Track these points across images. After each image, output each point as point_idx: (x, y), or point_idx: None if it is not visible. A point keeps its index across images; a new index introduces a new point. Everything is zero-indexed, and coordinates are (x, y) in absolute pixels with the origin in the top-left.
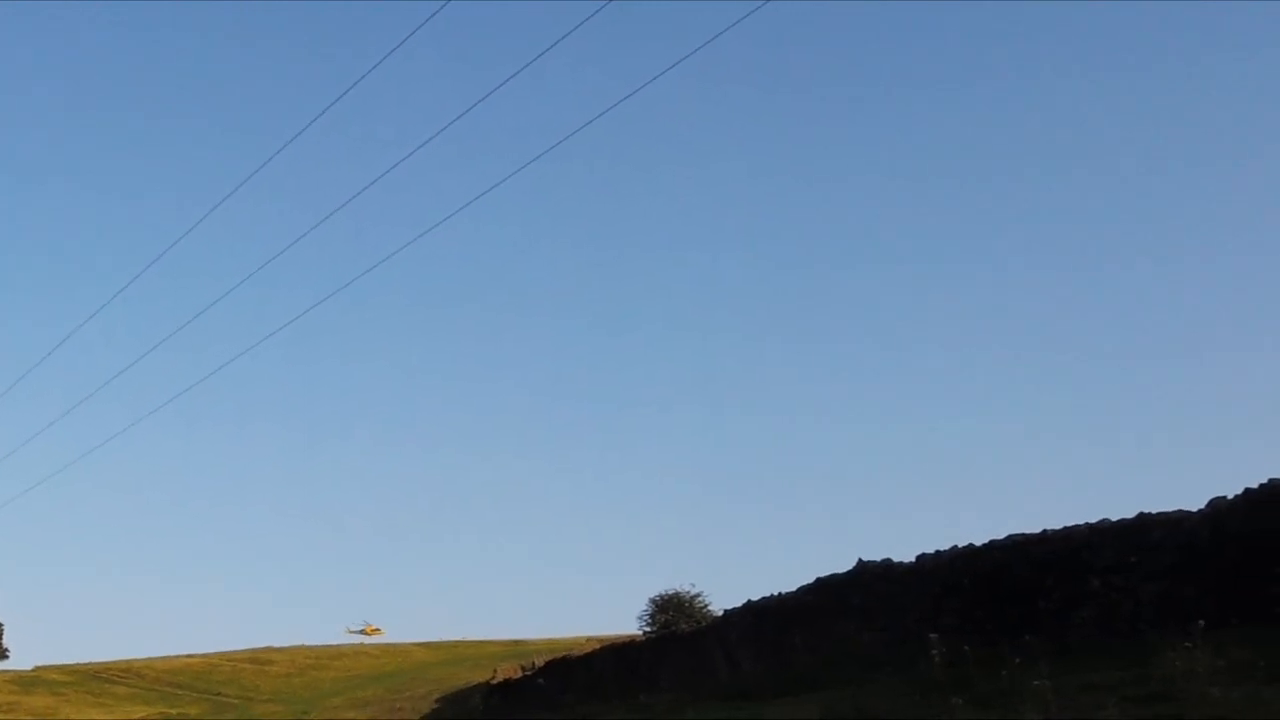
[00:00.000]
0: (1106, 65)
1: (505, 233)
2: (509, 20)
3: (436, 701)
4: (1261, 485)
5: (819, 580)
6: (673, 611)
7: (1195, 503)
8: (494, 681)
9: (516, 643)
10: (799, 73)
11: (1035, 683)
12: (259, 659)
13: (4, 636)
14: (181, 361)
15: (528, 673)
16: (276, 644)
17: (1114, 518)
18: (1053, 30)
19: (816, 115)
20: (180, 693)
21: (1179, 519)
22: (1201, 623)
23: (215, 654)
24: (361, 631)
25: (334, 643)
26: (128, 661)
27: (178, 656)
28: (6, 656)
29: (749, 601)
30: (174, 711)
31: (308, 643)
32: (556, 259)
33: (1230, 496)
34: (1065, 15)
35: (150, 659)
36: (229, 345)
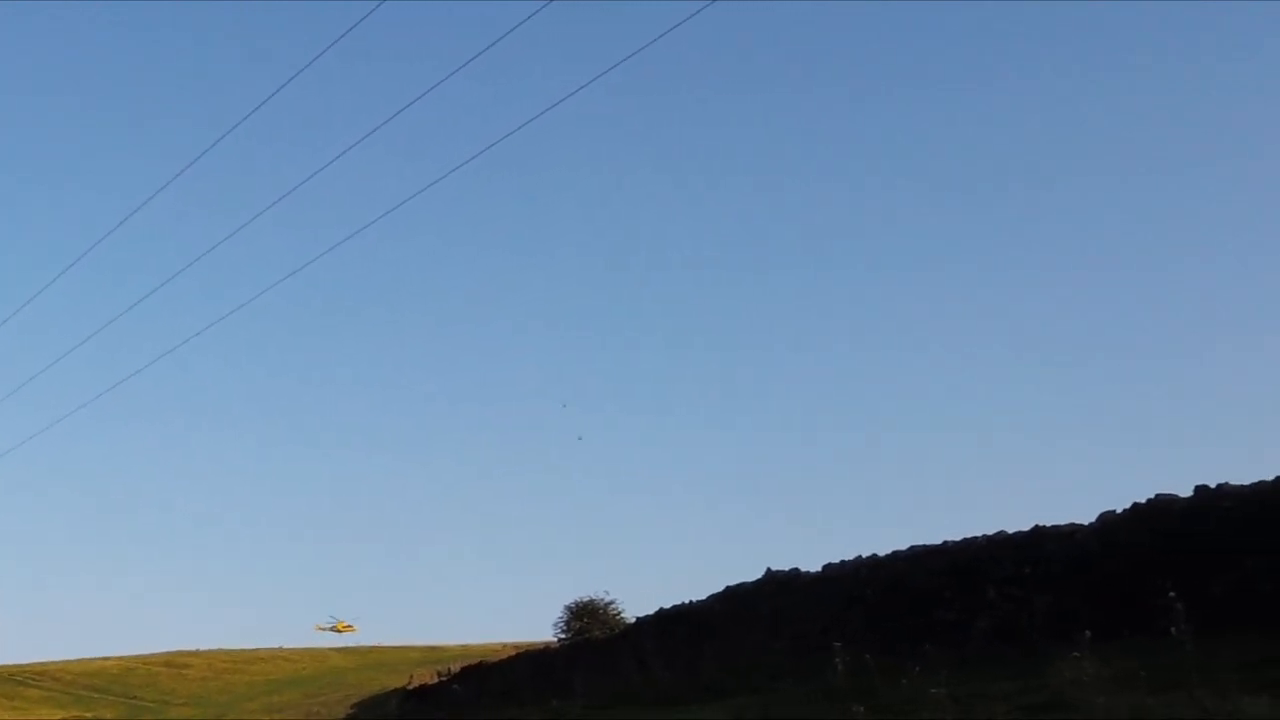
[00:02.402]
0: (1104, 65)
1: (429, 239)
2: (459, 18)
3: (353, 707)
4: (1149, 500)
5: (728, 589)
6: (587, 619)
7: (1086, 516)
8: (410, 687)
9: (433, 649)
10: (766, 72)
11: (933, 691)
12: (175, 662)
13: None
14: (98, 361)
15: (444, 679)
16: (194, 647)
17: (1010, 530)
18: (1040, 29)
19: (789, 116)
20: (96, 696)
21: (1071, 532)
22: (1089, 633)
23: (132, 657)
24: (333, 629)
25: (251, 646)
26: (43, 664)
27: (94, 659)
28: None
29: (660, 610)
30: (88, 715)
31: (225, 646)
32: (477, 263)
33: (1119, 510)
34: (1054, 15)
35: (65, 661)
36: (153, 344)
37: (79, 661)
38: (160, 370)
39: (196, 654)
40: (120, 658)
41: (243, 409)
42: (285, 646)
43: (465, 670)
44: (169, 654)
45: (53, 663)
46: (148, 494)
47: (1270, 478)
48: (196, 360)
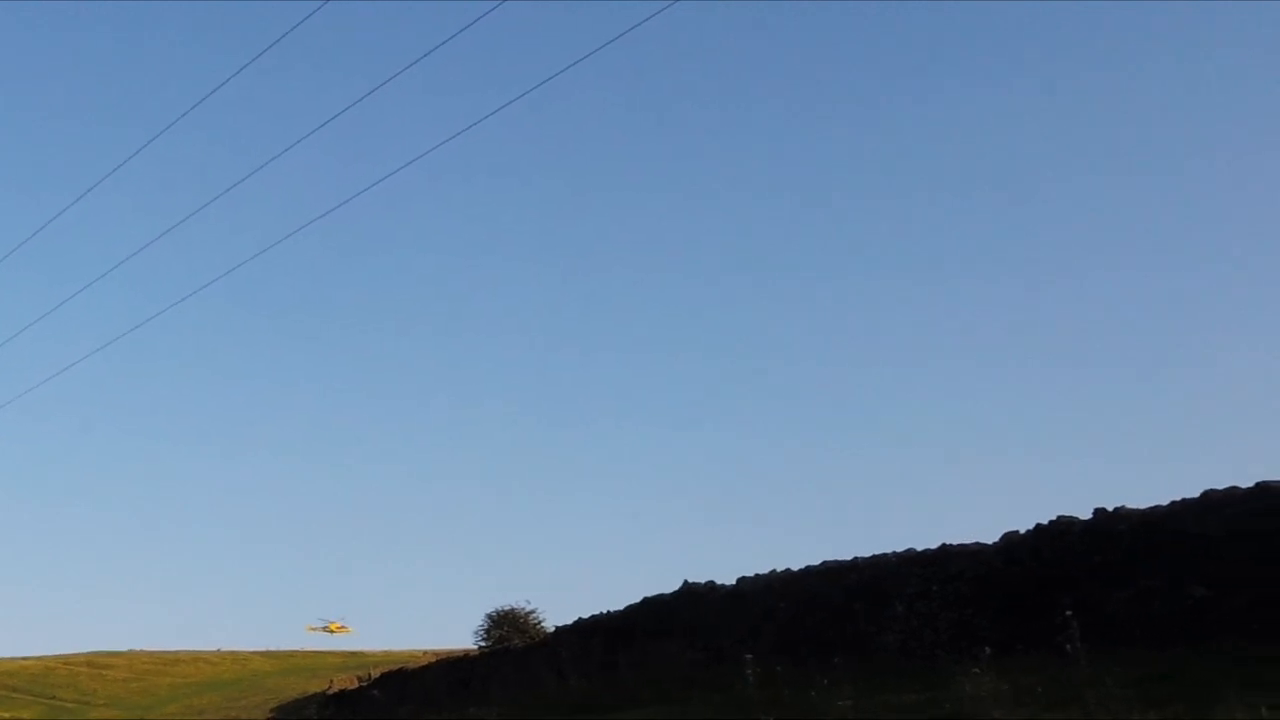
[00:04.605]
0: (1103, 65)
1: (358, 242)
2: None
3: (272, 710)
4: (1051, 521)
5: (645, 600)
6: (507, 627)
7: (991, 536)
8: (330, 692)
9: (354, 654)
10: (747, 72)
11: (839, 703)
12: (96, 663)
13: None
14: (24, 355)
15: (363, 684)
16: (116, 648)
17: (919, 548)
18: (1038, 30)
19: (769, 118)
20: (14, 696)
21: (976, 550)
22: (988, 649)
23: (52, 657)
24: (325, 629)
25: (172, 649)
26: None
27: (13, 659)
28: None
29: (579, 619)
30: (6, 715)
31: (147, 648)
32: (408, 266)
33: (1022, 530)
34: (1054, 15)
35: None
36: (73, 347)
37: None
38: (82, 369)
39: (118, 655)
40: (40, 657)
41: (165, 407)
42: (222, 649)
43: (385, 676)
44: (90, 654)
45: None
46: (72, 492)
47: (1165, 502)
48: (122, 359)
